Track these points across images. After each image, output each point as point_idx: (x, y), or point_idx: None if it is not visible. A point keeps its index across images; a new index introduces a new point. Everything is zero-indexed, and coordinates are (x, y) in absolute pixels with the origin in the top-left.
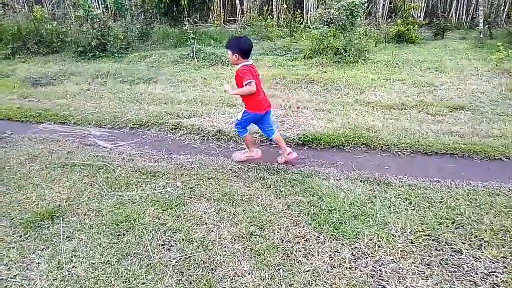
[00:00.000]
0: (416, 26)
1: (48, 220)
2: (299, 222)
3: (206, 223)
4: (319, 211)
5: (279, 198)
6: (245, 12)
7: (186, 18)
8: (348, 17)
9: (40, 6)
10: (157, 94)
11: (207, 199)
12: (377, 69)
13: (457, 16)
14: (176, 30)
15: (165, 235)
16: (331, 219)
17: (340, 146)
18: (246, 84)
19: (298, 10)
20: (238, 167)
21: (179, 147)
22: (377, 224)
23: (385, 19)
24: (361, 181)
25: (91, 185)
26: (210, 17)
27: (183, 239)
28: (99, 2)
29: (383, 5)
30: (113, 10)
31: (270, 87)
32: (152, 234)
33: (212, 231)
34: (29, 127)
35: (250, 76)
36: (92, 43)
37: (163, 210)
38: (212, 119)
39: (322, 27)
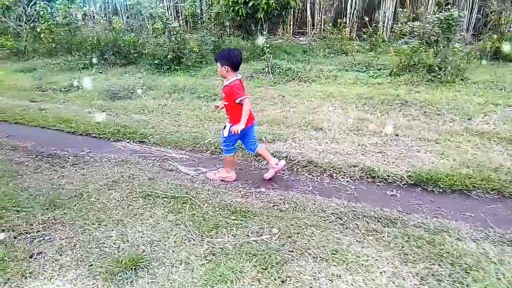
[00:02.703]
0: None
1: (131, 272)
2: None
3: None
4: None
5: (406, 264)
6: (315, 24)
7: (261, 31)
8: (444, 31)
9: (116, 17)
10: None
11: (313, 257)
12: (479, 91)
13: None
14: (249, 44)
15: None
16: None
17: (463, 191)
18: (240, 102)
19: (372, 22)
20: (340, 211)
21: (266, 179)
22: None
23: (470, 34)
24: (509, 245)
25: (177, 225)
26: (279, 29)
27: None
28: (174, 14)
29: (469, 18)
30: (190, 22)
31: (358, 108)
32: None
33: None
34: (107, 145)
35: (244, 92)
36: (169, 56)
37: (262, 268)
38: (298, 145)
39: (413, 41)
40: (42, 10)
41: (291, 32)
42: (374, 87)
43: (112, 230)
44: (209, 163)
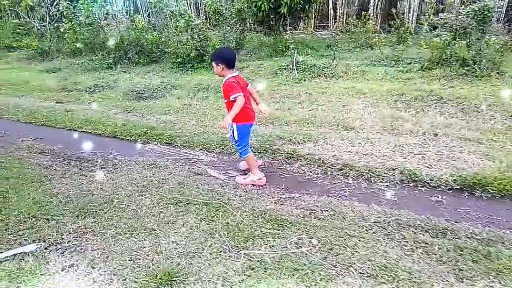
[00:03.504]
0: None
1: (167, 287)
2: None
3: None
4: None
5: (462, 281)
6: (337, 17)
7: (284, 26)
8: (479, 22)
9: (138, 15)
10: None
11: (359, 273)
12: None
13: None
14: (271, 39)
15: None
16: None
17: None
18: (233, 99)
19: (398, 14)
20: (383, 220)
21: (298, 183)
22: None
23: (501, 24)
24: None
25: (211, 234)
26: (301, 24)
27: None
28: (195, 11)
29: (499, 7)
30: (211, 19)
31: (390, 105)
32: None
33: None
34: (135, 147)
35: (237, 89)
36: (191, 54)
37: (306, 286)
38: (330, 146)
39: (445, 33)
40: (65, 10)
41: (312, 26)
42: (405, 83)
43: (145, 240)
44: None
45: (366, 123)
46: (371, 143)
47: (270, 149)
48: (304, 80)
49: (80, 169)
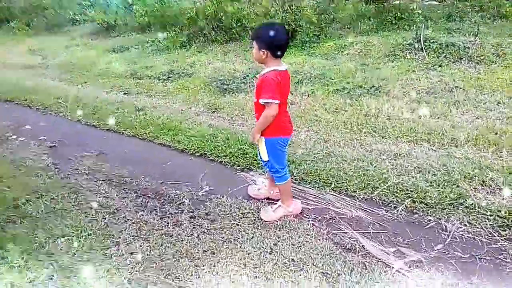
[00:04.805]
0: None
1: None
2: None
3: None
4: None
5: None
6: None
7: None
8: None
9: None
10: (402, 119)
11: None
12: None
13: None
14: (373, 7)
15: None
16: None
17: None
18: (264, 104)
19: None
20: None
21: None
22: None
23: None
24: None
25: None
26: None
27: None
28: None
29: None
30: None
31: None
32: None
33: None
34: (233, 176)
35: (275, 93)
36: None
37: None
38: None
39: None
40: None
41: None
42: None
43: None
44: (411, 233)
45: None
46: None
47: (449, 200)
48: (440, 66)
49: (161, 217)
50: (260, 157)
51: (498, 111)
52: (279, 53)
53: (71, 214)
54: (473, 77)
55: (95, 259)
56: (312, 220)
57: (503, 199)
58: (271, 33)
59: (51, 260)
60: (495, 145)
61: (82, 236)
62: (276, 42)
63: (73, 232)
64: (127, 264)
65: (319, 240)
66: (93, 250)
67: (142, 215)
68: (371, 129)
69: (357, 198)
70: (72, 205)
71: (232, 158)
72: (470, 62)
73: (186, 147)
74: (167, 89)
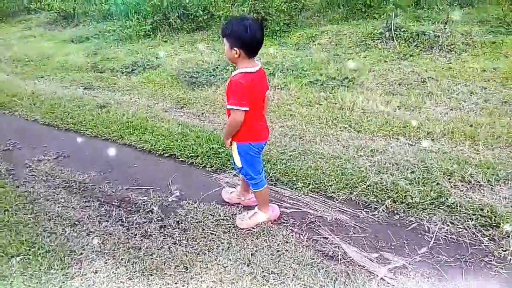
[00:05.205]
0: None
1: None
2: None
3: None
4: None
5: None
6: None
7: None
8: None
9: None
10: (377, 112)
11: None
12: None
13: None
14: None
15: None
16: None
17: None
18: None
19: None
20: None
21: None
22: None
23: None
24: None
25: None
26: None
27: None
28: None
29: None
30: None
31: None
32: None
33: None
34: (206, 180)
35: (242, 99)
36: None
37: None
38: None
39: None
40: None
41: None
42: None
43: None
44: (409, 251)
45: None
46: None
47: (431, 199)
48: (411, 56)
49: (128, 227)
50: (234, 163)
51: (471, 102)
52: (253, 52)
53: (27, 228)
54: (445, 67)
55: (55, 280)
56: (291, 226)
57: (483, 196)
58: (244, 29)
59: (5, 285)
60: (471, 138)
61: (39, 254)
62: (250, 40)
63: (29, 250)
64: (91, 285)
65: (299, 248)
66: (52, 270)
67: (106, 226)
68: (347, 123)
69: (337, 200)
70: (29, 217)
71: (203, 158)
72: (441, 51)
73: (153, 148)
74: (132, 83)
